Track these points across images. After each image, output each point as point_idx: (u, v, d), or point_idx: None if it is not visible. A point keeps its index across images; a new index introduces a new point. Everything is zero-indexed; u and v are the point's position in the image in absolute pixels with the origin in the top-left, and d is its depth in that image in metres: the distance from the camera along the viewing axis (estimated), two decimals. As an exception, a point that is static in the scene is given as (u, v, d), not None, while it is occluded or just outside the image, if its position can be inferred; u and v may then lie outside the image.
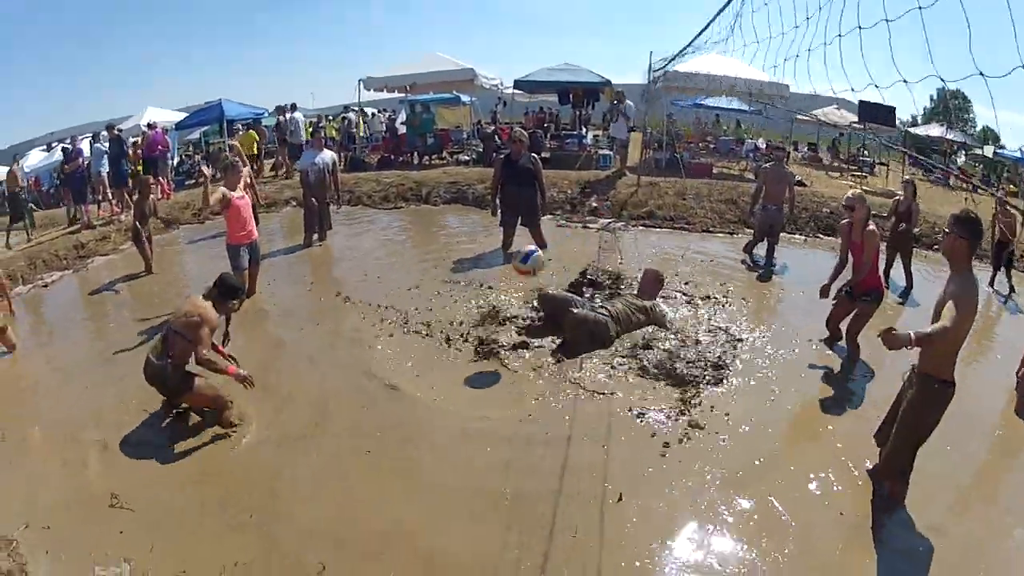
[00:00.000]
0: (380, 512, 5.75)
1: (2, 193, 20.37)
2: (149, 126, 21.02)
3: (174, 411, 7.27)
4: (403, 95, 25.94)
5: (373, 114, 29.35)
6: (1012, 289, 12.52)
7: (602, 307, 8.81)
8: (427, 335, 9.09)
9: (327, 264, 12.94)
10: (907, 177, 14.94)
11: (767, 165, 14.06)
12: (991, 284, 13.01)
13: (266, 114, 25.11)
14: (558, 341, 8.61)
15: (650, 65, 19.12)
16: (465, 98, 27.75)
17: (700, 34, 9.97)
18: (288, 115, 21.79)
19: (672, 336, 8.67)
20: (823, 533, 5.35)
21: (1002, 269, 13.03)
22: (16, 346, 9.39)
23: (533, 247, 8.80)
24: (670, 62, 17.14)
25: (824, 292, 8.29)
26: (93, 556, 5.28)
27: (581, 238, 14.57)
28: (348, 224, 15.82)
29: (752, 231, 13.80)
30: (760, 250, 13.20)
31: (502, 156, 13.45)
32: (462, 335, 9.01)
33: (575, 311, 8.45)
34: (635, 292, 9.64)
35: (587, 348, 8.32)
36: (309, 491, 6.06)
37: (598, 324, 8.43)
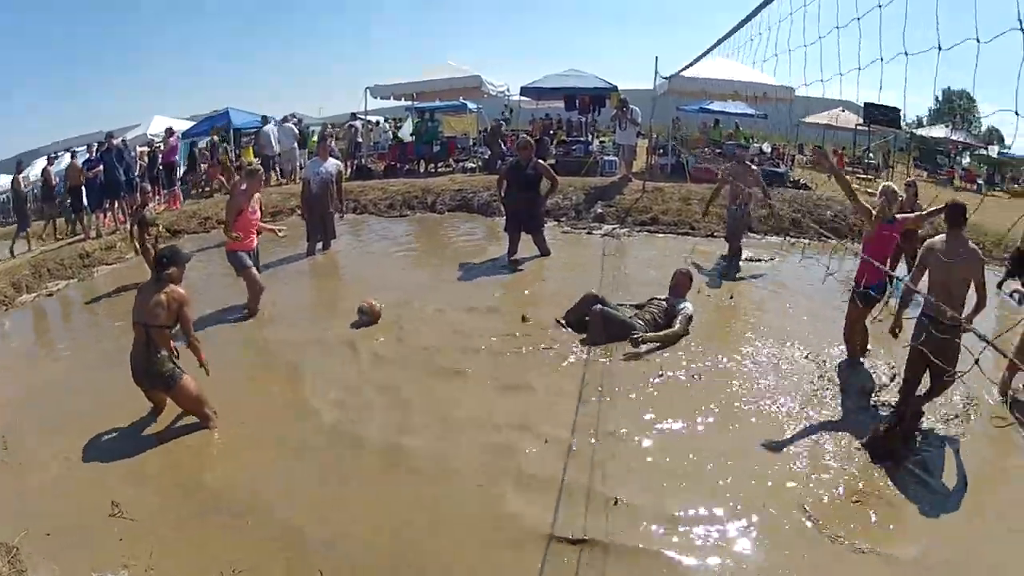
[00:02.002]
0: (379, 516, 5.72)
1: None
2: (168, 132, 21.12)
3: (159, 415, 7.38)
4: (410, 103, 26.05)
5: (378, 122, 29.30)
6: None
7: (636, 316, 9.12)
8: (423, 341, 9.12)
9: (328, 271, 13.03)
10: (909, 179, 15.03)
11: (729, 165, 14.14)
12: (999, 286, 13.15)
13: (273, 123, 25.27)
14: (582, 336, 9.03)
15: (655, 70, 19.14)
16: (472, 105, 27.67)
17: (716, 45, 9.99)
18: (263, 128, 22.11)
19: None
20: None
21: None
22: None
23: None
24: (683, 69, 17.13)
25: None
26: (92, 563, 5.28)
27: (584, 244, 14.61)
28: (353, 232, 15.87)
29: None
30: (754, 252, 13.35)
31: (510, 162, 13.62)
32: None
33: (603, 308, 8.98)
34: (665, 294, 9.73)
35: (606, 341, 8.74)
36: (304, 496, 6.03)
37: (624, 327, 8.80)
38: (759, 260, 13.31)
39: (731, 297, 11.23)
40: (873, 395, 7.91)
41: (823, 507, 5.78)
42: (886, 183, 9.63)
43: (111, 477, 6.41)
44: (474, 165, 22.34)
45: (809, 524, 5.55)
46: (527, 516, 5.57)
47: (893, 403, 7.43)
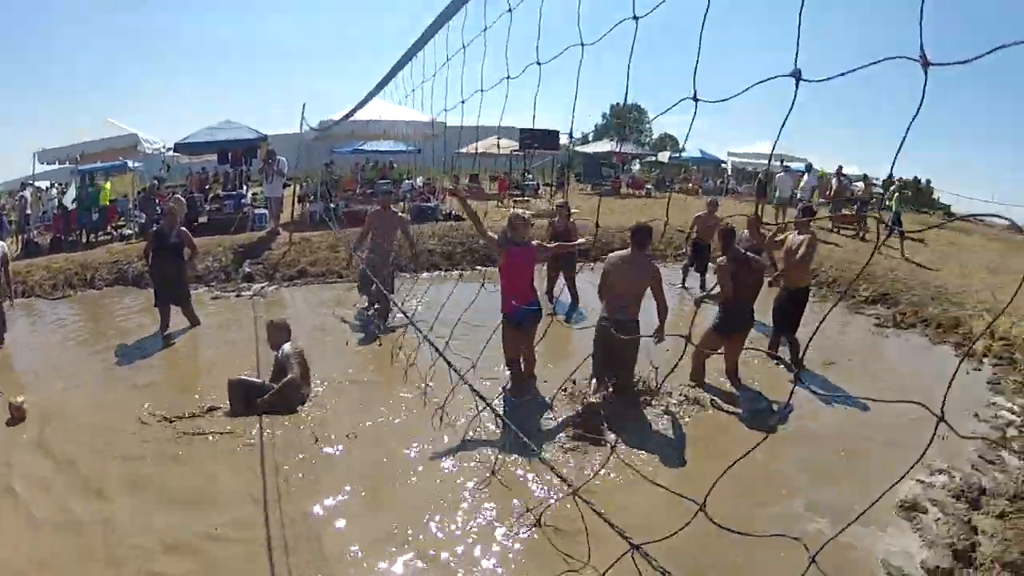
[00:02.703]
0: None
1: None
2: None
3: None
4: (74, 166, 24.93)
5: (45, 188, 28.03)
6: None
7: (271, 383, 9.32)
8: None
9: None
10: (560, 201, 16.46)
11: (371, 212, 14.25)
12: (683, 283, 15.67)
13: None
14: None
15: (302, 116, 19.95)
16: (131, 164, 26.71)
17: (365, 101, 10.44)
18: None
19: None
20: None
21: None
22: None
23: None
24: (336, 124, 17.54)
25: None
26: None
27: (234, 308, 14.73)
28: (25, 319, 14.73)
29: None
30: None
31: (154, 229, 13.37)
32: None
33: (240, 377, 9.31)
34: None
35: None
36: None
37: (264, 391, 9.08)
38: (409, 302, 13.38)
39: (379, 344, 11.72)
40: (548, 413, 8.96)
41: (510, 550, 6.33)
42: (513, 211, 10.47)
43: None
44: (131, 232, 22.04)
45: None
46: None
47: (568, 416, 8.75)
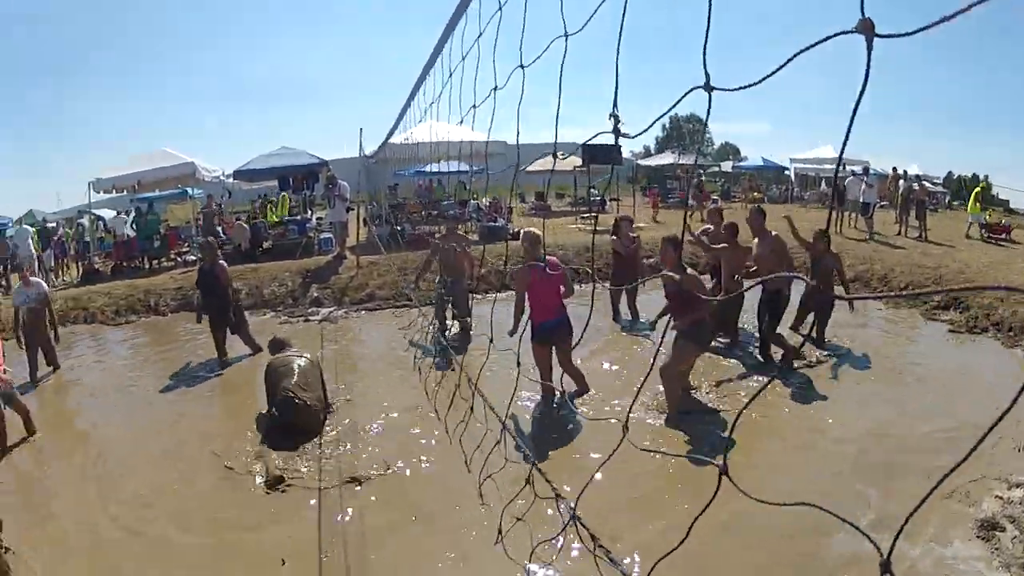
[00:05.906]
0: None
1: None
2: None
3: None
4: (132, 195, 25.21)
5: (99, 217, 27.91)
6: None
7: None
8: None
9: (51, 403, 11.67)
10: (622, 214, 15.47)
11: (438, 237, 14.10)
12: None
13: (9, 224, 24.17)
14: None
15: (360, 142, 19.90)
16: (192, 191, 27.02)
17: (402, 116, 10.20)
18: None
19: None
20: None
21: None
22: None
23: None
24: (383, 144, 17.22)
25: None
26: None
27: (303, 333, 14.35)
28: (85, 347, 14.68)
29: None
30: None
31: (198, 266, 13.55)
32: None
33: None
34: None
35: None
36: None
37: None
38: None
39: (453, 369, 10.82)
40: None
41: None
42: (527, 228, 10.22)
43: None
44: (194, 257, 21.13)
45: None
46: None
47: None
